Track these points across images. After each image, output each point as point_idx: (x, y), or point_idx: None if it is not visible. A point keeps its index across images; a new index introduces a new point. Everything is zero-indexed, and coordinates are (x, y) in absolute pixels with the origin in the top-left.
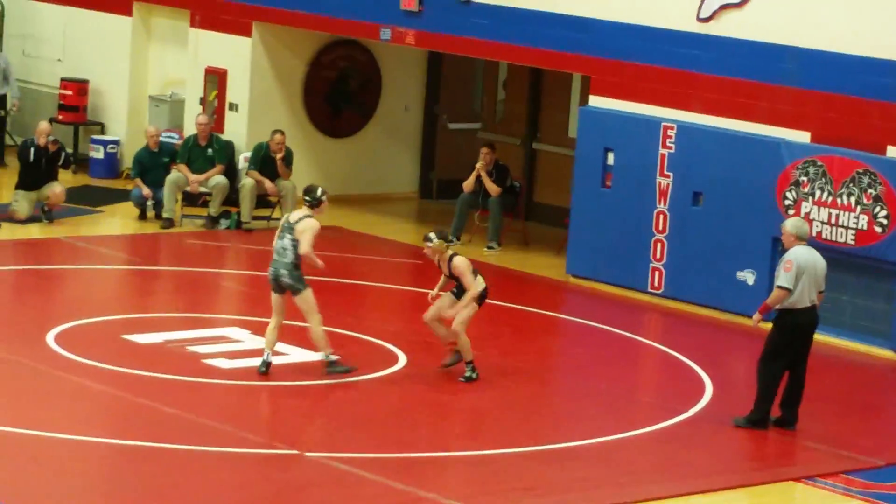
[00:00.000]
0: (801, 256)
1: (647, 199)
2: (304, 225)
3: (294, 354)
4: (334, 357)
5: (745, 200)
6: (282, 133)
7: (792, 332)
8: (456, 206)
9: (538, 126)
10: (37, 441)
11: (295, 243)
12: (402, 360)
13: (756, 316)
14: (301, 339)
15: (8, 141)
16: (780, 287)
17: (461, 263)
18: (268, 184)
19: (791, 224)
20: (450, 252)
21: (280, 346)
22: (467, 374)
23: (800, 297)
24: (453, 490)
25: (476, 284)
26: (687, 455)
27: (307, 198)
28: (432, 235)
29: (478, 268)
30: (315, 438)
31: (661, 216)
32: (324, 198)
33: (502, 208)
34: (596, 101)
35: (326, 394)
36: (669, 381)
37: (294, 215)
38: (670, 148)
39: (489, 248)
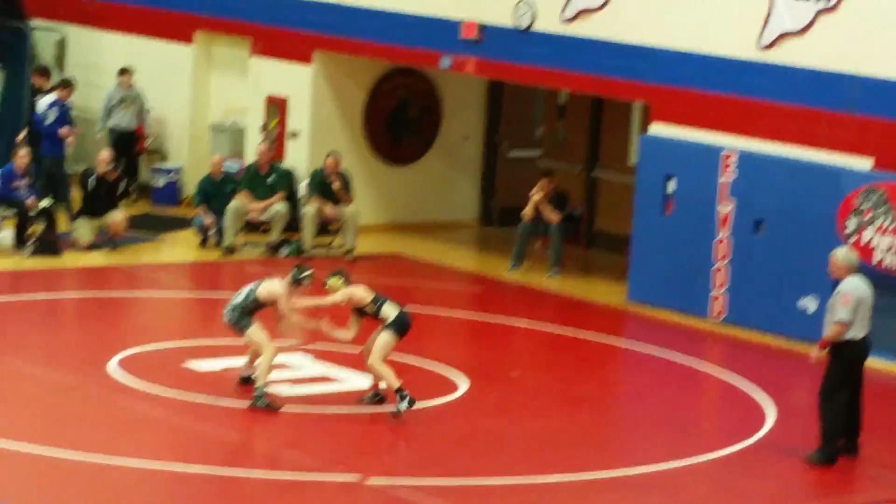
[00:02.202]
0: (857, 288)
1: (707, 227)
2: (268, 288)
3: (354, 381)
4: (259, 392)
5: (805, 228)
6: (335, 155)
7: (851, 364)
8: (517, 234)
9: (598, 153)
10: (100, 467)
11: (252, 292)
12: (464, 387)
13: (816, 352)
14: (361, 365)
15: (71, 168)
16: (839, 321)
17: (344, 295)
18: (328, 209)
19: (841, 255)
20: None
21: (340, 373)
22: (398, 405)
23: (858, 329)
24: None
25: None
26: (748, 483)
27: (293, 272)
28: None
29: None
30: (377, 465)
31: (722, 243)
32: (305, 282)
33: (563, 236)
34: (656, 128)
35: (388, 420)
36: (730, 409)
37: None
38: (731, 175)
39: (550, 275)
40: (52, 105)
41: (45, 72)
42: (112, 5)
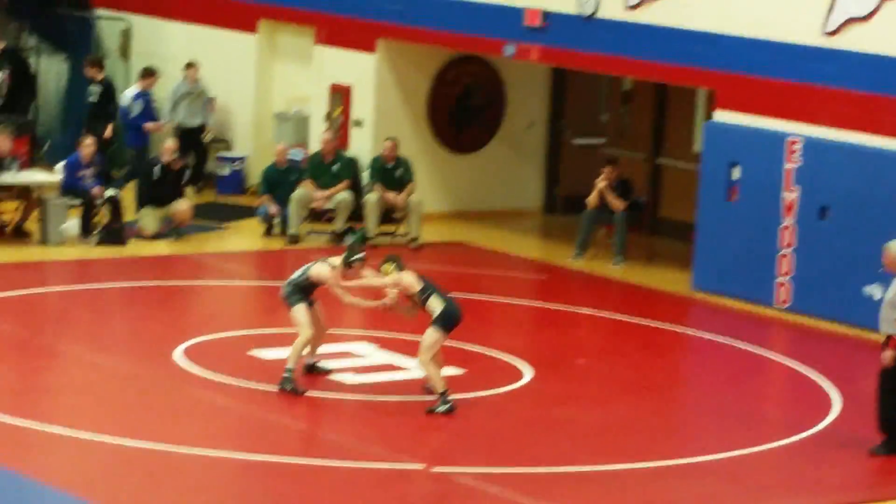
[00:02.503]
0: None
1: (772, 214)
2: (319, 269)
3: (419, 369)
4: (288, 374)
5: (871, 214)
6: (392, 140)
7: None
8: (581, 222)
9: (663, 141)
10: (165, 456)
11: (307, 270)
12: (529, 375)
13: (890, 353)
14: None
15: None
16: None
17: (395, 281)
18: (391, 195)
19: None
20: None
21: (405, 361)
22: (437, 406)
23: None
24: None
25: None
26: (814, 471)
27: (345, 254)
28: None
29: (444, 291)
30: (441, 453)
31: (787, 230)
32: (355, 264)
33: (627, 223)
34: (721, 115)
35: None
36: (796, 397)
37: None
38: (796, 162)
39: (615, 262)
40: (137, 97)
41: (97, 62)
42: None
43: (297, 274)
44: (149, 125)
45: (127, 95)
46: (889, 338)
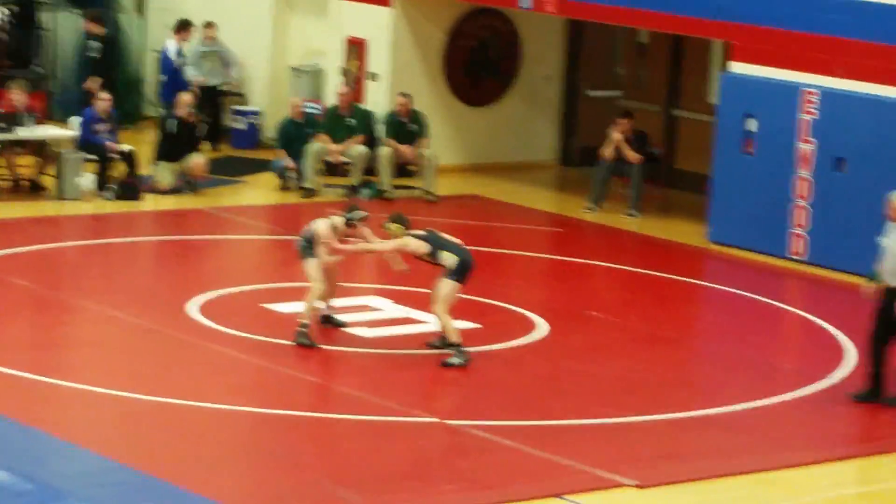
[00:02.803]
0: None
1: (788, 166)
2: (319, 227)
3: (433, 323)
4: (303, 328)
5: (888, 166)
6: (404, 95)
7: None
8: (596, 174)
9: (678, 93)
10: (180, 409)
11: (315, 225)
12: (544, 328)
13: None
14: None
15: (151, 112)
16: None
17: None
18: (405, 150)
19: None
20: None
21: (421, 315)
22: (450, 359)
23: None
24: (593, 457)
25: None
26: (828, 423)
27: (346, 212)
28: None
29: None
30: (455, 406)
31: (804, 182)
32: (355, 222)
33: (642, 176)
34: (737, 66)
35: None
36: (811, 349)
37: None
38: (813, 114)
39: (630, 214)
40: (179, 52)
41: (97, 17)
42: None
43: (307, 229)
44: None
45: (170, 50)
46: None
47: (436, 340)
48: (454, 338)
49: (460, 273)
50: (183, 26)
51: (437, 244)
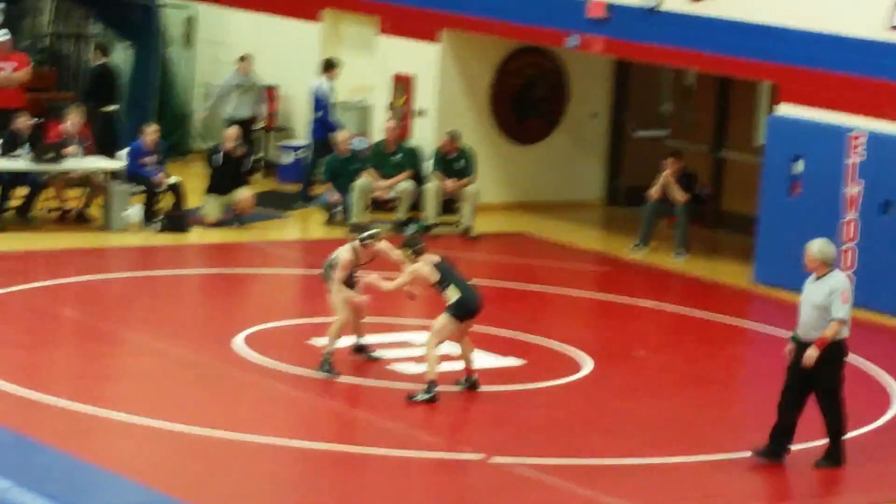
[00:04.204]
0: (849, 285)
1: (834, 208)
2: (341, 254)
3: (479, 360)
4: (326, 356)
5: None
6: (450, 135)
7: (842, 362)
8: (643, 214)
9: (726, 134)
10: (226, 443)
11: (338, 254)
12: (589, 366)
13: (814, 352)
14: (487, 343)
15: (197, 145)
16: (839, 319)
17: (412, 273)
18: (448, 184)
19: (816, 247)
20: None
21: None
22: (419, 394)
23: (847, 326)
24: (635, 497)
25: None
26: (875, 466)
27: (359, 234)
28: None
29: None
30: (500, 443)
31: (850, 225)
32: (367, 242)
33: (689, 216)
34: (784, 108)
35: (512, 399)
36: (857, 391)
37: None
38: (860, 156)
39: (677, 255)
40: (329, 91)
41: (100, 46)
42: None
43: (332, 256)
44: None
45: (323, 88)
46: (836, 345)
47: (461, 381)
48: (431, 375)
49: (458, 310)
50: (330, 65)
51: (446, 275)
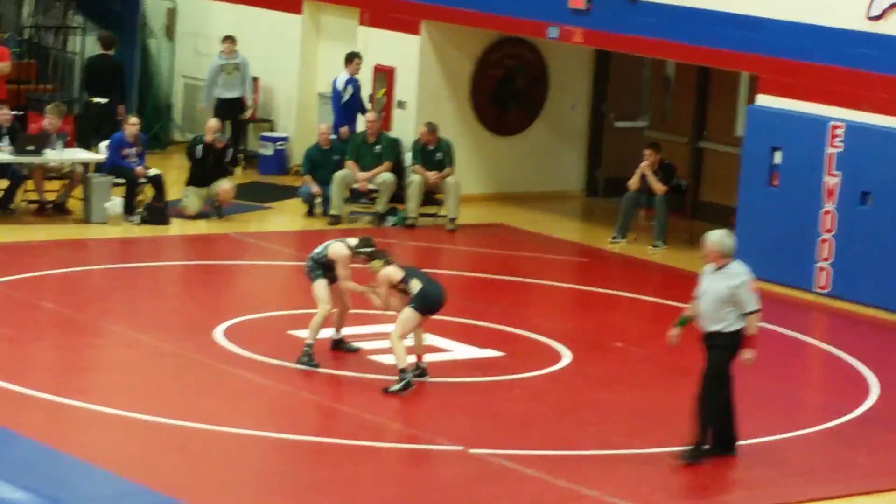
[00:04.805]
0: (751, 275)
1: (814, 199)
2: (336, 249)
3: (458, 351)
4: (307, 349)
5: None
6: (428, 126)
7: (735, 351)
8: (621, 205)
9: (705, 124)
10: (206, 434)
11: (326, 248)
12: (568, 357)
13: (752, 354)
14: (466, 335)
15: (178, 137)
16: (755, 312)
17: (380, 278)
18: (429, 175)
19: (716, 238)
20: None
21: (444, 343)
22: (392, 387)
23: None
24: (617, 488)
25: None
26: (852, 456)
27: (357, 241)
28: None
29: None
30: (479, 435)
31: (829, 216)
32: (360, 255)
33: (668, 207)
34: (764, 99)
35: (491, 390)
36: (835, 382)
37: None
38: (838, 147)
39: (654, 246)
40: (347, 82)
41: (108, 40)
42: None
43: (318, 250)
44: (343, 130)
45: (340, 80)
46: (735, 336)
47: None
48: (401, 364)
49: (420, 303)
50: (350, 58)
51: (409, 271)
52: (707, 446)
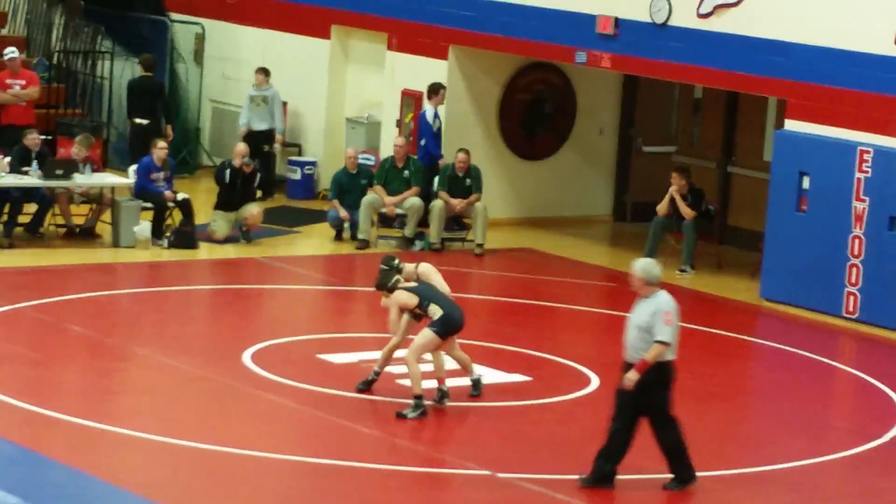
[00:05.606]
0: (675, 306)
1: (842, 224)
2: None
3: (486, 375)
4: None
5: None
6: (465, 152)
7: (669, 384)
8: (650, 229)
9: (733, 149)
10: (233, 458)
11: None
12: (595, 382)
13: (634, 375)
14: (493, 359)
15: (206, 161)
16: (661, 342)
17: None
18: (454, 202)
19: (639, 267)
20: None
21: (474, 368)
22: (408, 411)
23: (674, 348)
24: None
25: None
26: (882, 482)
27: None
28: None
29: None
30: (507, 459)
31: (857, 240)
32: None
33: (696, 232)
34: (792, 124)
35: (520, 415)
36: (864, 407)
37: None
38: (867, 172)
39: (682, 270)
40: (436, 115)
41: (148, 62)
42: (250, 0)
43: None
44: (442, 162)
45: (429, 113)
46: (661, 368)
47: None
48: (417, 390)
49: (442, 326)
50: (437, 89)
51: (425, 295)
52: (684, 475)
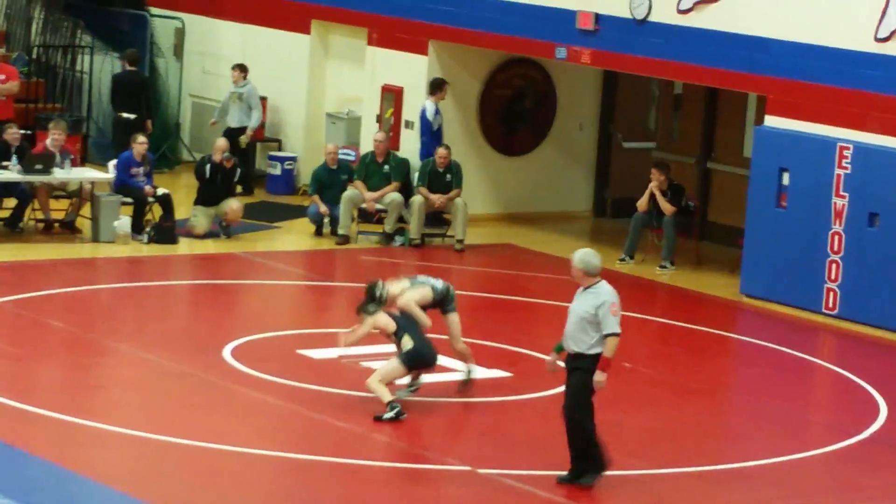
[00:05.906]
0: (617, 296)
1: (822, 220)
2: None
3: (464, 372)
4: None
5: None
6: (447, 148)
7: (592, 374)
8: (630, 225)
9: (713, 145)
10: (212, 454)
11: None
12: None
13: (603, 376)
14: (473, 355)
15: (186, 156)
16: (614, 334)
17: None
18: (434, 198)
19: (578, 258)
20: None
21: (453, 363)
22: (386, 414)
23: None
24: None
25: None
26: (860, 478)
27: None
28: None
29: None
30: (487, 455)
31: (837, 237)
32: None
33: (676, 228)
34: (772, 120)
35: (500, 411)
36: (843, 403)
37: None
38: (846, 168)
39: (662, 266)
40: (437, 112)
41: (133, 56)
42: None
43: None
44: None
45: (429, 109)
46: (594, 358)
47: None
48: (387, 398)
49: (410, 360)
50: (437, 86)
51: (402, 325)
52: (587, 469)
